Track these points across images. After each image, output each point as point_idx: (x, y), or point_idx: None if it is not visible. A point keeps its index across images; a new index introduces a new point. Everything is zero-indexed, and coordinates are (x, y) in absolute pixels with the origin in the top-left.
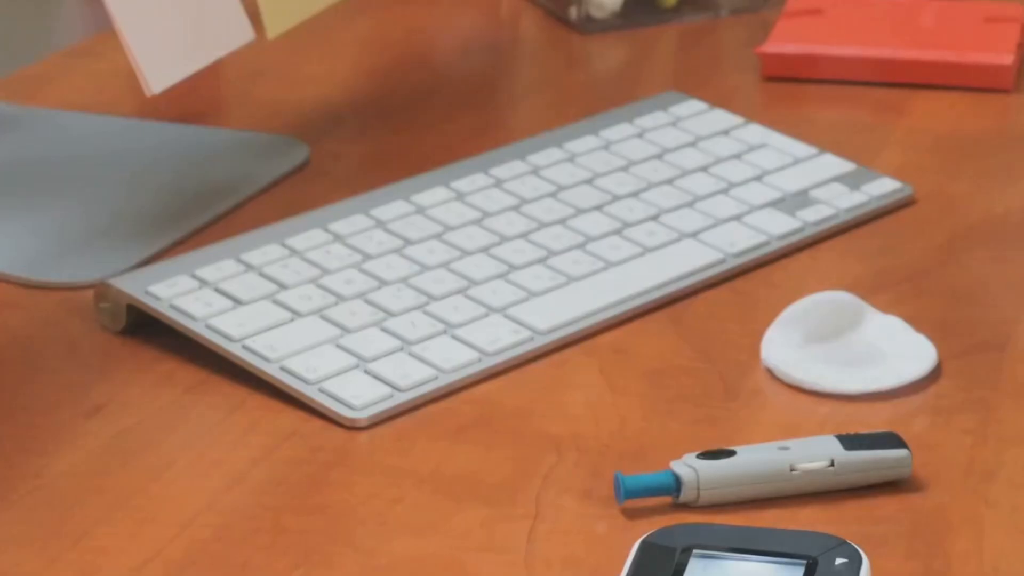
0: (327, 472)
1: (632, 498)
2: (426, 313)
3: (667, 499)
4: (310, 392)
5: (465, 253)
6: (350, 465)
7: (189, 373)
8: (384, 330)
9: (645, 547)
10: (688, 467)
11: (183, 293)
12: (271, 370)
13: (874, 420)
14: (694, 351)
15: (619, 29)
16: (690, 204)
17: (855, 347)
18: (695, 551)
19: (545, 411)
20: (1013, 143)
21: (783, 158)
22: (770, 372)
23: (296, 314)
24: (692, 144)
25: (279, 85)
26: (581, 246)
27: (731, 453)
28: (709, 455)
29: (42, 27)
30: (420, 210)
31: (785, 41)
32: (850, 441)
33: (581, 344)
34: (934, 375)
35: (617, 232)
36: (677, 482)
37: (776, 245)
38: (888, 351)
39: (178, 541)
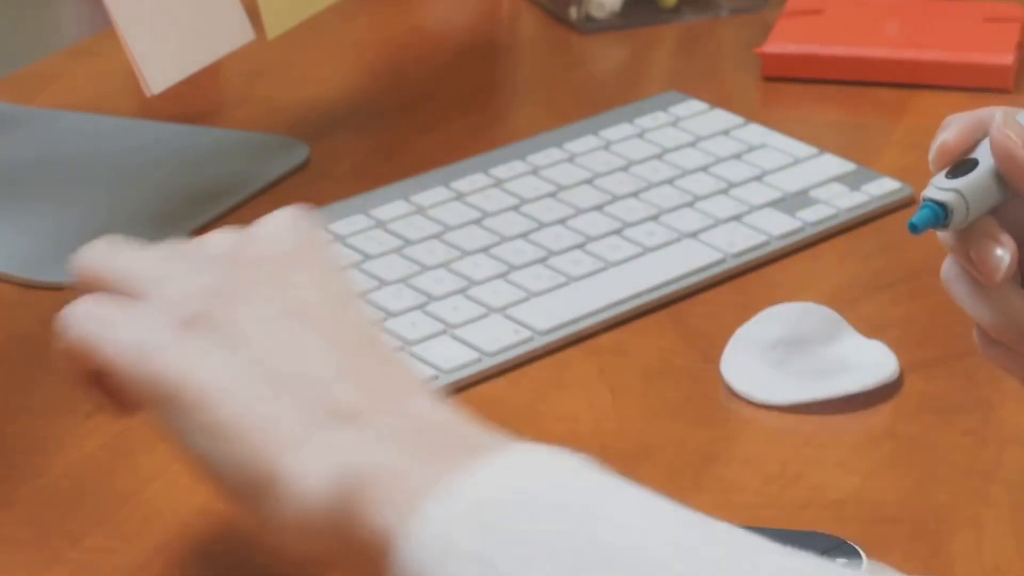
0: None
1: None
2: (426, 313)
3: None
4: None
5: (465, 253)
6: None
7: None
8: (384, 330)
9: None
10: (947, 191)
11: None
12: None
13: (874, 418)
14: (694, 351)
15: (619, 29)
16: (690, 204)
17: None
18: None
19: (545, 411)
20: None
21: (783, 158)
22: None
23: None
24: (692, 144)
25: (279, 85)
26: (581, 246)
27: (974, 163)
28: (956, 172)
29: (42, 27)
30: (420, 210)
31: (785, 41)
32: None
33: (581, 344)
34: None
35: (617, 232)
36: (946, 211)
37: (776, 245)
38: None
39: (178, 541)
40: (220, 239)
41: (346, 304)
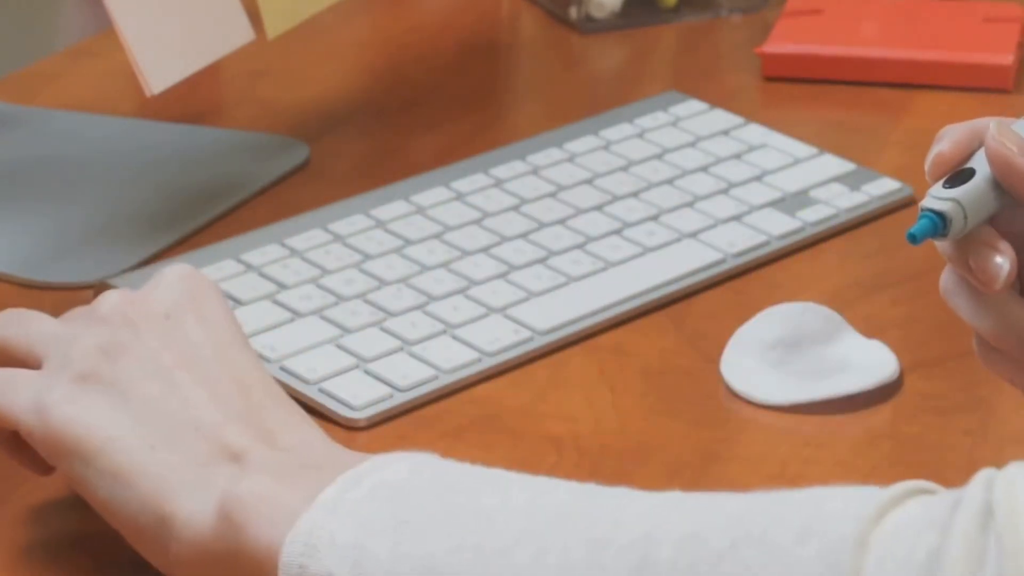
0: None
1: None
2: (426, 313)
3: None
4: (310, 392)
5: (465, 253)
6: None
7: None
8: (384, 330)
9: None
10: (944, 201)
11: None
12: (271, 370)
13: (874, 418)
14: (694, 351)
15: (619, 29)
16: (690, 204)
17: (812, 360)
18: None
19: (545, 411)
20: None
21: (783, 158)
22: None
23: (296, 314)
24: (692, 144)
25: (279, 85)
26: (581, 246)
27: (970, 173)
28: (953, 182)
29: (42, 27)
30: (420, 210)
31: (785, 41)
32: None
33: (581, 344)
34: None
35: (617, 232)
36: (944, 220)
37: (776, 245)
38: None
39: None
40: (113, 299)
41: (234, 350)
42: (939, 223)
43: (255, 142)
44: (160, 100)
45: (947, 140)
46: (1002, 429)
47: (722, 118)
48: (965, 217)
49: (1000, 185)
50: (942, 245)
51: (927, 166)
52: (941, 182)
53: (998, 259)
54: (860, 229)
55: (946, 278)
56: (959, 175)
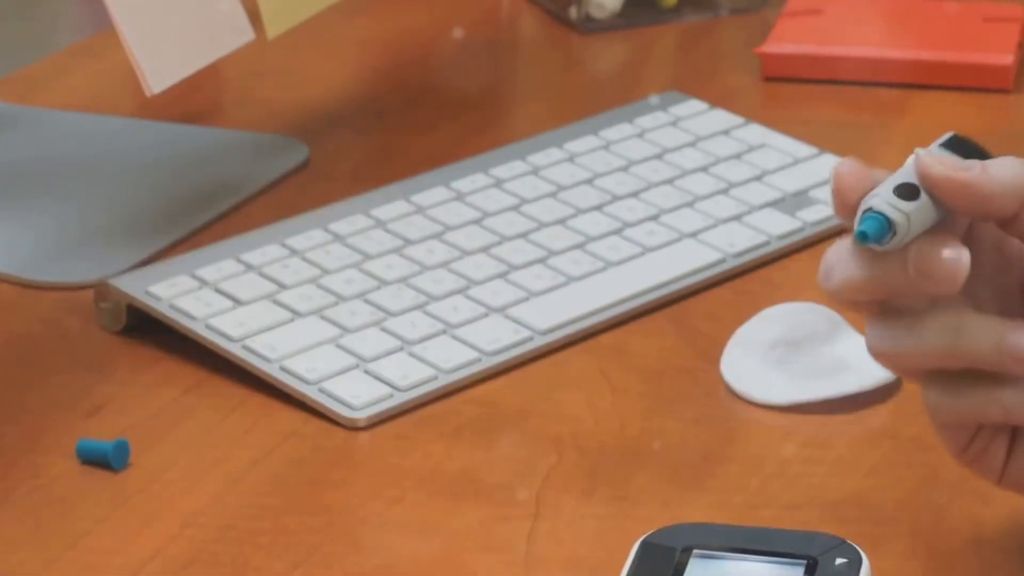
0: (327, 472)
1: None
2: (426, 313)
3: None
4: (310, 392)
5: (465, 253)
6: (350, 465)
7: (189, 373)
8: (384, 330)
9: (645, 547)
10: (897, 211)
11: (183, 293)
12: (271, 370)
13: (875, 419)
14: (694, 351)
15: (619, 29)
16: (690, 204)
17: (812, 358)
18: (695, 551)
19: (545, 411)
20: (1013, 143)
21: (783, 158)
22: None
23: (296, 314)
24: (692, 144)
25: (279, 85)
26: (581, 246)
27: (916, 188)
28: (902, 192)
29: (42, 27)
30: (420, 210)
31: (785, 41)
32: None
33: (581, 344)
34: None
35: (617, 232)
36: (890, 225)
37: (776, 245)
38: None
39: (178, 541)
40: None
41: None
42: (888, 229)
43: (255, 142)
44: (160, 100)
45: (845, 165)
46: None
47: (722, 118)
48: (907, 232)
49: (937, 207)
50: (857, 276)
51: (832, 188)
52: (891, 189)
53: (950, 252)
54: None
55: (874, 340)
56: (907, 188)
